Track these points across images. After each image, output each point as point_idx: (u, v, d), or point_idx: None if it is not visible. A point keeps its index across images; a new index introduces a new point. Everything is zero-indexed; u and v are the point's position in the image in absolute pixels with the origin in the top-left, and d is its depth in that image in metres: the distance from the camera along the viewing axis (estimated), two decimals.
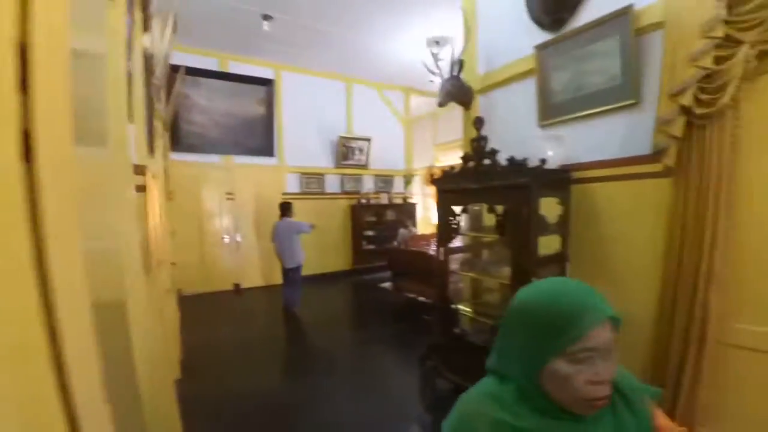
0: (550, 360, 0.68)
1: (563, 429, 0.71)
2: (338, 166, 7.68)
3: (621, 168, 2.30)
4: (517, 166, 2.30)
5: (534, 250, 2.30)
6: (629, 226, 2.28)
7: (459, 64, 3.16)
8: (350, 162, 7.79)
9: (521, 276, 2.30)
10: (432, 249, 5.31)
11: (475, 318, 2.98)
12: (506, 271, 2.50)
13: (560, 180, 2.52)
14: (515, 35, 2.85)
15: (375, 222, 7.85)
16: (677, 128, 1.93)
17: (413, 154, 8.73)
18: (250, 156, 6.75)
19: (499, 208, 2.46)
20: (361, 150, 7.84)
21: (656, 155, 2.06)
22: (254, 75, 6.62)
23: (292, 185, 7.22)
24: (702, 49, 1.82)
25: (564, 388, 0.68)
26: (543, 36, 2.67)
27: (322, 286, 6.88)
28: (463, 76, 3.20)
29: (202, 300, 6.04)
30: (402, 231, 7.13)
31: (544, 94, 2.67)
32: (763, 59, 1.73)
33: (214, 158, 6.49)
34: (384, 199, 8.07)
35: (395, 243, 7.02)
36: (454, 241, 2.96)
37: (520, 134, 2.84)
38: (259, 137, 6.79)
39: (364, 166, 7.98)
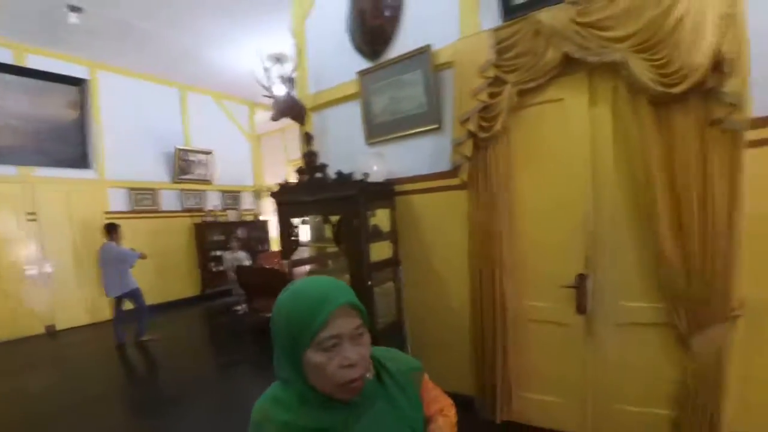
0: (305, 353, 0.72)
1: (343, 418, 0.76)
2: (176, 180, 6.90)
3: (432, 182, 2.66)
4: (344, 179, 2.46)
5: (367, 257, 2.47)
6: (443, 231, 2.65)
7: (290, 81, 3.21)
8: (190, 176, 7.08)
9: (359, 282, 2.44)
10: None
11: None
12: (348, 278, 2.63)
13: (386, 192, 2.78)
14: (341, 60, 3.03)
15: (224, 241, 7.30)
16: (467, 149, 2.32)
17: (264, 170, 8.44)
18: (59, 168, 5.55)
19: (334, 219, 2.57)
20: (202, 164, 7.21)
21: (454, 171, 2.43)
22: (62, 72, 5.48)
23: (118, 202, 6.19)
24: (480, 86, 2.23)
25: (322, 377, 0.72)
26: (364, 63, 2.90)
27: (168, 317, 6.08)
28: (295, 93, 3.25)
29: (4, 349, 4.75)
30: (226, 256, 6.33)
31: (367, 116, 2.91)
32: (523, 96, 2.21)
33: (8, 170, 5.14)
34: (233, 217, 7.58)
35: (224, 269, 6.41)
36: (298, 253, 2.98)
37: (351, 151, 3.02)
38: (70, 146, 5.64)
39: (208, 181, 7.36)
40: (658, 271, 1.92)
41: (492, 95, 2.23)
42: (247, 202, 8.19)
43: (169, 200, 6.86)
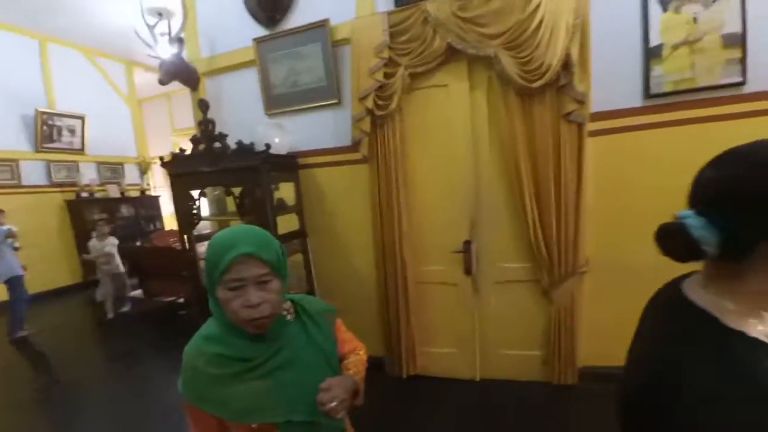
0: (217, 290, 0.83)
1: (267, 349, 0.88)
2: (40, 149, 5.89)
3: (334, 156, 2.75)
4: (245, 150, 2.42)
5: (274, 229, 2.50)
6: (347, 203, 2.78)
7: (179, 42, 2.95)
8: (58, 145, 6.09)
9: None
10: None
11: None
12: None
13: (289, 165, 2.79)
14: (236, 23, 2.87)
15: (107, 220, 6.52)
16: (366, 125, 2.45)
17: (148, 140, 7.58)
18: None
19: (237, 191, 2.53)
20: (71, 130, 6.23)
21: (356, 146, 2.55)
22: None
23: None
24: (376, 65, 2.35)
25: (229, 312, 0.84)
26: (260, 30, 2.80)
27: (46, 307, 5.32)
28: (185, 55, 3.01)
29: None
30: (95, 245, 4.82)
31: (266, 86, 2.84)
32: (414, 79, 2.39)
33: None
34: (114, 192, 6.75)
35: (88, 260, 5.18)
36: (199, 227, 2.86)
37: (249, 120, 2.91)
38: None
39: (79, 151, 6.41)
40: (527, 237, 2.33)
41: (387, 75, 2.37)
42: (131, 175, 7.33)
43: (32, 173, 5.85)
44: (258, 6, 2.74)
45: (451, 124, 2.40)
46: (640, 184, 2.13)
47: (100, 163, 6.78)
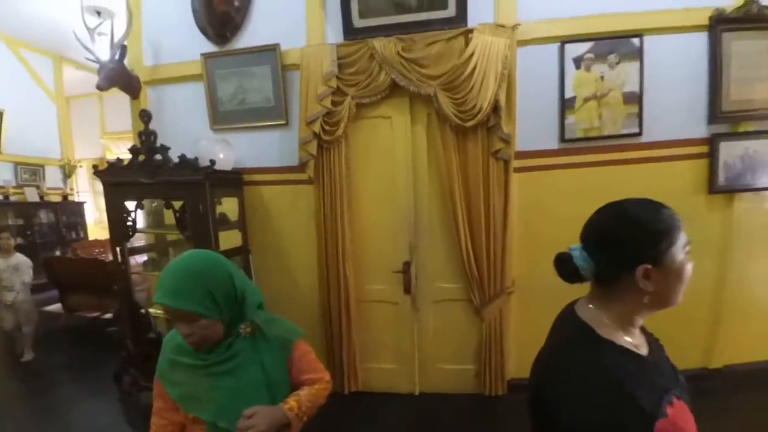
0: None
1: (213, 358, 1.01)
2: None
3: (280, 174, 2.78)
4: (188, 164, 2.39)
5: (215, 244, 2.46)
6: (292, 221, 2.81)
7: (121, 48, 2.85)
8: None
9: None
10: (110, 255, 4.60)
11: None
12: None
13: (234, 180, 2.78)
14: (184, 36, 2.83)
15: (22, 226, 5.93)
16: (312, 148, 2.53)
17: (74, 141, 7.00)
18: None
19: (177, 204, 2.47)
20: None
21: (302, 166, 2.61)
22: None
23: None
24: (324, 92, 2.44)
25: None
26: (209, 46, 2.79)
27: None
28: (127, 62, 2.90)
29: None
30: None
31: (212, 101, 2.82)
32: (360, 108, 2.50)
33: None
34: (32, 195, 6.15)
35: None
36: (133, 240, 2.75)
37: (192, 133, 2.86)
38: None
39: None
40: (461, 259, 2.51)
41: (335, 103, 2.48)
42: (53, 178, 6.72)
43: None
44: (208, 23, 2.73)
45: (394, 153, 2.55)
46: (558, 215, 2.40)
47: (17, 164, 6.15)
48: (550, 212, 2.43)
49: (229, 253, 2.67)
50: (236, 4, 2.64)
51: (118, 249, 2.66)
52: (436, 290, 2.67)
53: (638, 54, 2.18)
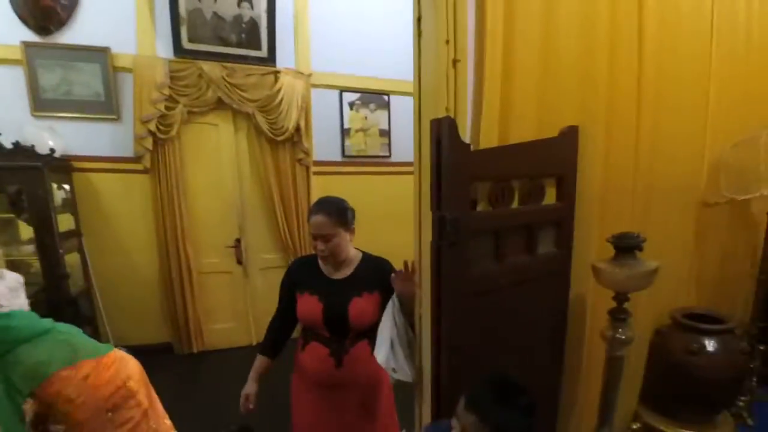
0: None
1: None
2: None
3: (114, 164, 3.12)
4: (25, 150, 2.59)
5: (56, 227, 2.72)
6: (128, 207, 3.18)
7: None
8: None
9: (48, 249, 2.68)
10: None
11: None
12: (30, 248, 2.81)
13: (64, 167, 3.00)
14: None
15: None
16: (148, 143, 2.99)
17: None
18: None
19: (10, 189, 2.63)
20: None
21: (138, 158, 3.05)
22: None
23: None
24: (158, 98, 2.92)
25: None
26: (28, 33, 2.87)
27: None
28: None
29: None
30: None
31: (33, 88, 2.93)
32: (192, 114, 3.06)
33: None
34: None
35: None
36: None
37: (14, 119, 2.94)
38: None
39: None
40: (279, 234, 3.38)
41: (168, 108, 2.98)
42: None
43: None
44: (29, 12, 2.80)
45: (221, 153, 3.24)
46: None
47: None
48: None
49: (65, 236, 2.93)
50: (63, 2, 2.81)
51: None
52: (261, 260, 3.49)
53: (387, 105, 3.39)
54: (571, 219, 1.47)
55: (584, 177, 1.46)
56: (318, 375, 1.43)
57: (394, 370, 1.30)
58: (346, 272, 1.45)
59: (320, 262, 1.46)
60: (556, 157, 1.39)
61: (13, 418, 1.10)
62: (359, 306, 1.38)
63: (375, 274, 1.43)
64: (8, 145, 2.62)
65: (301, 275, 1.49)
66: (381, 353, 1.31)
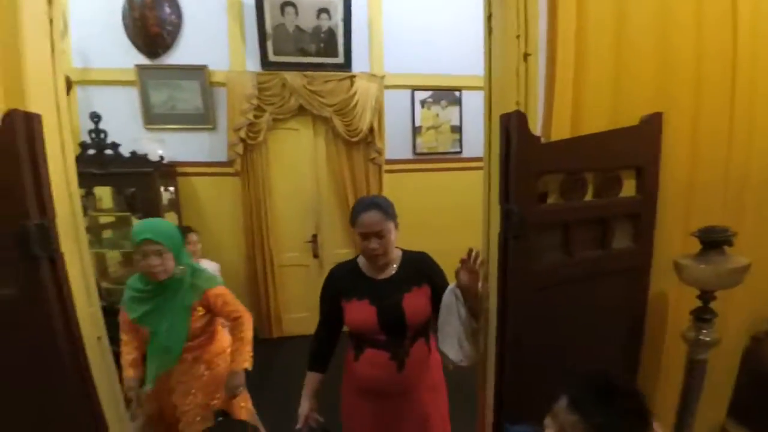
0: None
1: (157, 287, 1.60)
2: None
3: (211, 168, 3.51)
4: (139, 158, 3.03)
5: None
6: (220, 205, 3.56)
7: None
8: None
9: None
10: None
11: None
12: None
13: (170, 172, 3.43)
14: (114, 44, 3.28)
15: None
16: (239, 149, 3.32)
17: None
18: None
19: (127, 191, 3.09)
20: None
21: (230, 163, 3.40)
22: None
23: None
24: (247, 107, 3.23)
25: (138, 268, 1.63)
26: (140, 56, 3.31)
27: None
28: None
29: None
30: None
31: (146, 105, 3.39)
32: (276, 121, 3.34)
33: None
34: None
35: None
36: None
37: (125, 130, 3.39)
38: None
39: None
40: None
41: (256, 116, 3.28)
42: None
43: None
44: (140, 39, 3.24)
45: (301, 156, 3.50)
46: (411, 200, 3.58)
47: None
48: (407, 198, 3.59)
49: None
50: (168, 28, 3.21)
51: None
52: (335, 255, 3.68)
53: (459, 102, 3.43)
54: (652, 212, 1.40)
55: (667, 168, 1.39)
56: (378, 383, 1.37)
57: (462, 360, 1.30)
58: (390, 271, 1.41)
59: (364, 264, 1.43)
60: (634, 148, 1.34)
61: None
62: (413, 302, 1.35)
63: (419, 267, 1.42)
64: (126, 154, 3.08)
65: (344, 283, 1.44)
66: (451, 350, 1.30)
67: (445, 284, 1.39)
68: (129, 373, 1.66)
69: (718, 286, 1.27)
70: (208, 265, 2.77)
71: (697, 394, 1.38)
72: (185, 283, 1.65)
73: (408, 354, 1.35)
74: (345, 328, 1.47)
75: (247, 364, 1.72)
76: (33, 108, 1.04)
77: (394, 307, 1.33)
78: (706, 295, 1.31)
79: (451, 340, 1.30)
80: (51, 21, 1.25)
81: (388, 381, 1.35)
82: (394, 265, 1.41)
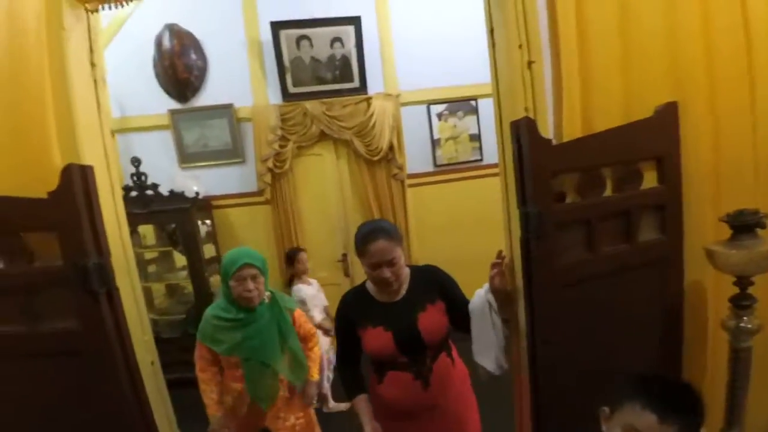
0: (230, 281, 1.59)
1: (247, 317, 1.58)
2: None
3: (243, 198, 3.69)
4: (177, 196, 3.24)
5: (203, 255, 3.35)
6: (254, 233, 3.70)
7: None
8: None
9: (197, 274, 3.31)
10: None
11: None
12: (183, 273, 3.45)
13: (205, 206, 3.64)
14: (148, 92, 3.56)
15: None
16: (268, 178, 3.49)
17: None
18: None
19: (168, 227, 3.30)
20: None
21: (260, 192, 3.56)
22: None
23: None
24: (272, 139, 3.40)
25: (234, 293, 1.60)
26: (171, 101, 3.57)
27: None
28: None
29: None
30: None
31: (180, 145, 3.63)
32: (300, 149, 3.50)
33: None
34: None
35: None
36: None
37: (163, 170, 3.62)
38: None
39: None
40: None
41: (281, 146, 3.45)
42: None
43: None
44: (171, 85, 3.51)
45: (326, 178, 3.62)
46: (435, 211, 3.64)
47: None
48: (430, 210, 3.67)
49: (209, 262, 3.57)
50: (196, 73, 3.46)
51: None
52: (365, 273, 3.79)
53: (475, 110, 3.47)
54: (678, 202, 1.37)
55: (690, 155, 1.37)
56: (404, 403, 1.35)
57: (497, 370, 1.30)
58: (401, 292, 1.38)
59: (373, 289, 1.41)
60: (652, 139, 1.33)
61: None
62: (428, 321, 1.32)
63: (429, 283, 1.39)
64: (165, 193, 3.30)
65: (356, 311, 1.42)
66: (488, 361, 1.31)
67: (459, 293, 1.40)
68: (215, 411, 1.66)
69: (754, 270, 1.22)
70: (313, 283, 3.19)
71: (744, 384, 1.32)
72: (278, 306, 1.71)
73: (431, 371, 1.34)
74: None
75: (317, 376, 1.90)
76: (86, 160, 1.18)
77: (409, 329, 1.31)
78: (742, 281, 1.27)
79: (488, 352, 1.30)
80: (96, 82, 1.42)
81: (415, 400, 1.34)
82: (405, 285, 1.39)
